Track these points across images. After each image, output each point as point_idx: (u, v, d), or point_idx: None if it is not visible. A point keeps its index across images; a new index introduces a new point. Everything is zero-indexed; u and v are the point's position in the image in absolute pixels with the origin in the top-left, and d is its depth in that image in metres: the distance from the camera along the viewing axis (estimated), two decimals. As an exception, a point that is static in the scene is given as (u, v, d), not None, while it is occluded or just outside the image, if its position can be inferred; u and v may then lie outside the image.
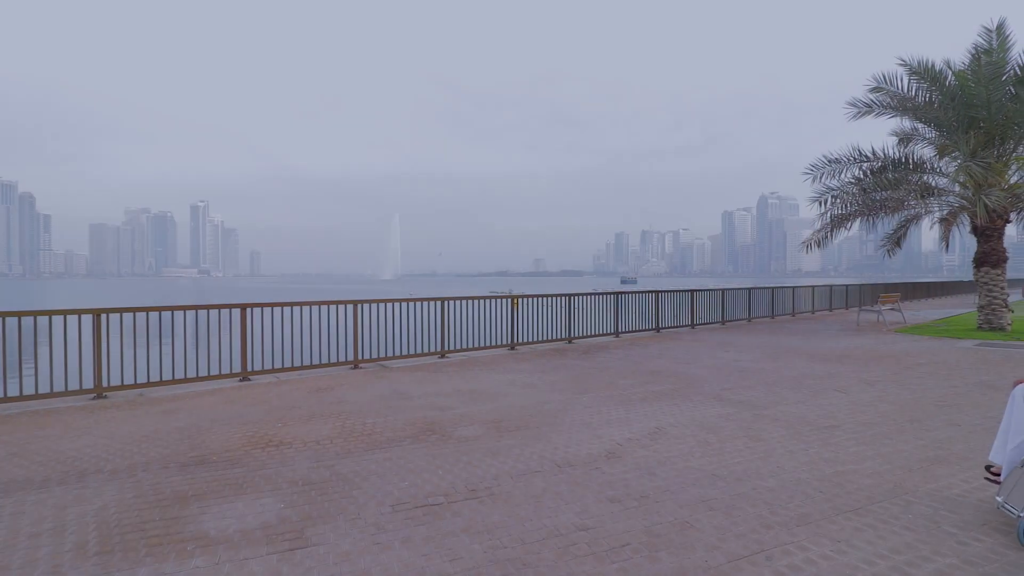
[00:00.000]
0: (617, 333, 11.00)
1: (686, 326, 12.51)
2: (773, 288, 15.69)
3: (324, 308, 7.27)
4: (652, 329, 11.74)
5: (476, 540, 2.58)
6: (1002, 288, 11.58)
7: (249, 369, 6.59)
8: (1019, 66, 10.76)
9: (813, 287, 17.52)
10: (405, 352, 7.93)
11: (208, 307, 6.50)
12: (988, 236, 11.74)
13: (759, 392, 5.80)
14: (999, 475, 2.78)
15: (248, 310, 6.67)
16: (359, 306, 7.53)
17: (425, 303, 8.28)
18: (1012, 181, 11.53)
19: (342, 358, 7.33)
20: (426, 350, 8.20)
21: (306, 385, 6.24)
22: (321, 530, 2.69)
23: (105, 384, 5.67)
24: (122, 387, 5.78)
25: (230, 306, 6.62)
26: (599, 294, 11.17)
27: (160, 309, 6.13)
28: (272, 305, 6.92)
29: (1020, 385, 2.73)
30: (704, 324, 12.97)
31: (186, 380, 6.13)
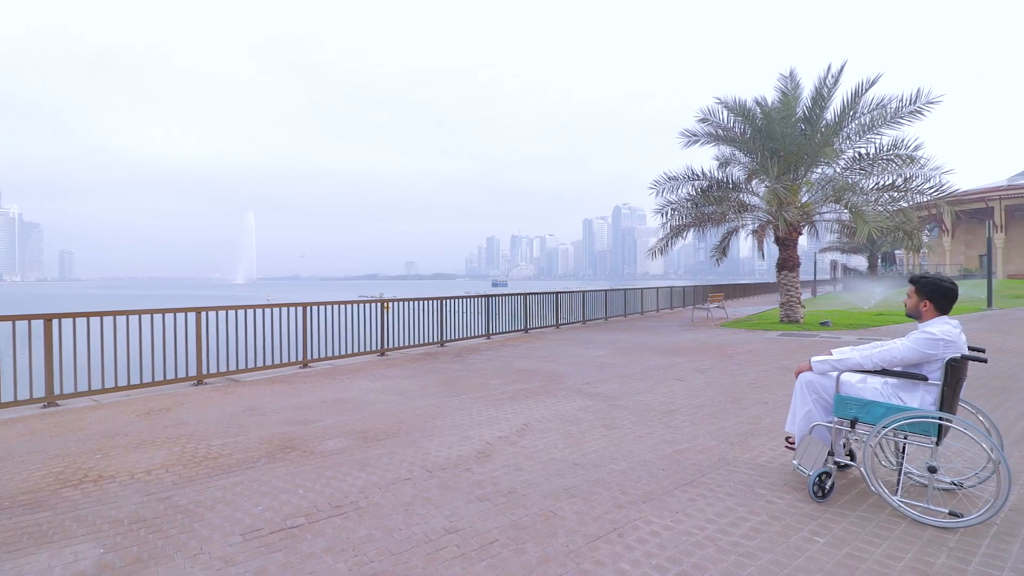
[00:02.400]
0: (488, 335, 11.24)
1: (551, 326, 13.23)
2: (625, 290, 17.30)
3: (158, 317, 6.37)
4: (521, 330, 12.21)
5: (341, 559, 2.46)
6: (797, 288, 14.08)
7: (57, 392, 5.53)
8: (806, 108, 13.24)
9: (657, 289, 19.66)
10: (261, 364, 7.26)
11: (-4, 320, 5.32)
12: (787, 245, 14.22)
13: (614, 384, 6.35)
14: (794, 443, 3.39)
15: (55, 321, 5.59)
16: (203, 314, 6.72)
17: (285, 309, 7.67)
18: (803, 200, 14.10)
19: (182, 374, 6.48)
20: (286, 360, 7.59)
21: (135, 407, 5.41)
22: (154, 573, 2.36)
23: None
24: None
25: (30, 317, 5.49)
26: (471, 297, 11.33)
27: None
28: (88, 315, 5.88)
29: (801, 374, 3.37)
30: (568, 324, 13.83)
31: (-37, 411, 4.95)
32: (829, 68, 12.90)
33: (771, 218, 14.01)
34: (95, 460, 3.82)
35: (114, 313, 6.07)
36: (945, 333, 2.88)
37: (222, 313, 6.93)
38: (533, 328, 12.56)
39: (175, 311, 6.53)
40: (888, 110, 12.50)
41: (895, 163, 12.79)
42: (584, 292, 15.07)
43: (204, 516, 2.91)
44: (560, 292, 14.08)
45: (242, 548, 2.56)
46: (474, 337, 10.93)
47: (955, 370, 2.83)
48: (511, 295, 12.32)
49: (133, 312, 6.23)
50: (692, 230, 15.18)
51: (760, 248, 16.01)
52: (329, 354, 8.16)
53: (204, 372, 6.65)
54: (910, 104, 12.30)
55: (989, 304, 17.03)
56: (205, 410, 5.28)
